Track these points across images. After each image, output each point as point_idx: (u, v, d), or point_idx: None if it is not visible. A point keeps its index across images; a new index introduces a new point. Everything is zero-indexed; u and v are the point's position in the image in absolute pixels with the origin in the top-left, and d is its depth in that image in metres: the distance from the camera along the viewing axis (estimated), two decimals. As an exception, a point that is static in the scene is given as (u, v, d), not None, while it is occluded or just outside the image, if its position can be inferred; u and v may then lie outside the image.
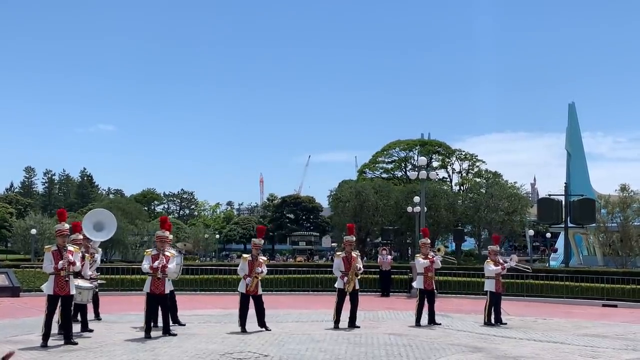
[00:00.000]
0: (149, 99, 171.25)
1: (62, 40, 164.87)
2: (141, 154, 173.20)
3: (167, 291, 12.22)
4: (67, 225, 11.28)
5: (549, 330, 13.97)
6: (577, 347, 11.55)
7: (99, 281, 13.97)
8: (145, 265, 11.99)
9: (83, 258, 12.06)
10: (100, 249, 14.51)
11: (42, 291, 11.30)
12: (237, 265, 14.14)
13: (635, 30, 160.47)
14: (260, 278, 13.10)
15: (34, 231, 63.00)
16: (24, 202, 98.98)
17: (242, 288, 13.01)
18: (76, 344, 10.82)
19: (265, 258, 13.77)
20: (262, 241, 13.60)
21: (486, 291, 15.09)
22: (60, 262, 10.78)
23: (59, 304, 11.04)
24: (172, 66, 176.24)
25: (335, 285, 13.99)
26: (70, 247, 11.19)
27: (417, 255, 15.05)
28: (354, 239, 14.44)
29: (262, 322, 12.99)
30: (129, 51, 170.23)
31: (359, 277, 14.15)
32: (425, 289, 14.60)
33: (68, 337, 10.93)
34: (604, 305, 20.78)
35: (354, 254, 14.03)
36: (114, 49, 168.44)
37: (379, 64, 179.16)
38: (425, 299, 14.60)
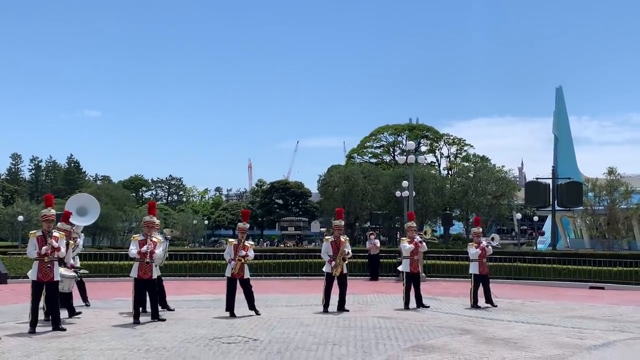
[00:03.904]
0: (135, 85, 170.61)
1: (46, 26, 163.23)
2: (128, 140, 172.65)
3: (154, 276, 12.20)
4: (53, 211, 11.15)
5: (537, 313, 14.06)
6: (564, 328, 11.63)
7: (82, 270, 13.88)
8: (133, 250, 11.98)
9: (67, 245, 11.98)
10: (82, 234, 14.39)
11: (28, 278, 11.22)
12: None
13: (620, 15, 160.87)
14: (246, 262, 13.02)
15: (21, 218, 62.77)
16: (11, 189, 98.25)
17: (227, 272, 13.01)
18: (64, 329, 10.77)
19: (252, 242, 13.76)
20: (248, 225, 13.55)
21: (471, 274, 15.17)
22: (44, 247, 10.70)
23: (44, 290, 10.95)
24: (159, 54, 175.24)
25: (323, 270, 14.03)
26: (55, 233, 11.11)
27: (403, 238, 15.10)
28: (343, 223, 14.49)
29: (252, 306, 12.99)
30: (113, 37, 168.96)
31: (347, 261, 14.17)
32: (411, 272, 14.65)
33: (56, 323, 10.87)
34: (591, 288, 20.92)
35: (343, 238, 14.05)
36: (99, 34, 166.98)
37: (367, 50, 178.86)
38: (412, 283, 14.65)
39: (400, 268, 15.12)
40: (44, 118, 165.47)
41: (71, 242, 12.77)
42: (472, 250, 15.15)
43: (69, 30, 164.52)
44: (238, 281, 12.91)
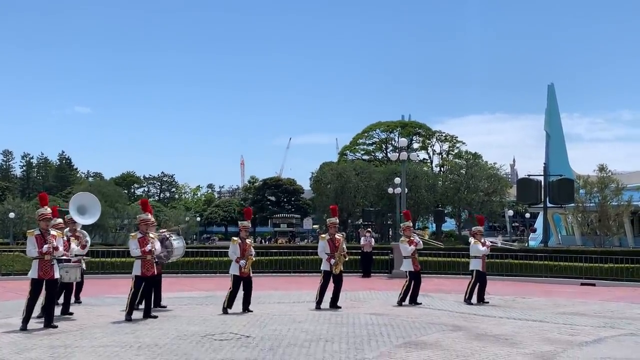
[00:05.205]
0: (125, 81, 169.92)
1: (35, 21, 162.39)
2: (120, 137, 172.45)
3: (156, 272, 12.36)
4: (49, 209, 11.16)
5: (529, 309, 14.11)
6: (556, 325, 11.67)
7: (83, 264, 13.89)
8: (136, 250, 11.90)
9: (68, 241, 11.98)
10: (87, 233, 14.37)
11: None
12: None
13: (613, 14, 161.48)
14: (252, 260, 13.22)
15: (12, 215, 62.44)
16: (2, 186, 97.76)
17: (234, 270, 12.97)
18: (56, 327, 10.74)
19: (250, 240, 13.77)
20: (250, 223, 13.67)
21: (472, 270, 15.24)
22: (45, 246, 10.66)
23: (43, 287, 10.90)
24: (150, 49, 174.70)
25: (321, 268, 13.99)
26: (53, 232, 11.08)
27: (402, 239, 15.03)
28: (338, 221, 14.47)
29: (247, 304, 12.98)
30: (103, 32, 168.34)
31: (347, 258, 14.21)
32: (415, 271, 14.73)
33: (49, 320, 10.84)
34: (582, 284, 21.01)
35: (338, 235, 14.05)
36: (89, 30, 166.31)
37: (360, 48, 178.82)
38: (413, 281, 14.69)
39: (402, 268, 15.17)
40: (35, 114, 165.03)
41: (75, 239, 12.79)
42: (480, 248, 15.20)
43: (58, 26, 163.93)
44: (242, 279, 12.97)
